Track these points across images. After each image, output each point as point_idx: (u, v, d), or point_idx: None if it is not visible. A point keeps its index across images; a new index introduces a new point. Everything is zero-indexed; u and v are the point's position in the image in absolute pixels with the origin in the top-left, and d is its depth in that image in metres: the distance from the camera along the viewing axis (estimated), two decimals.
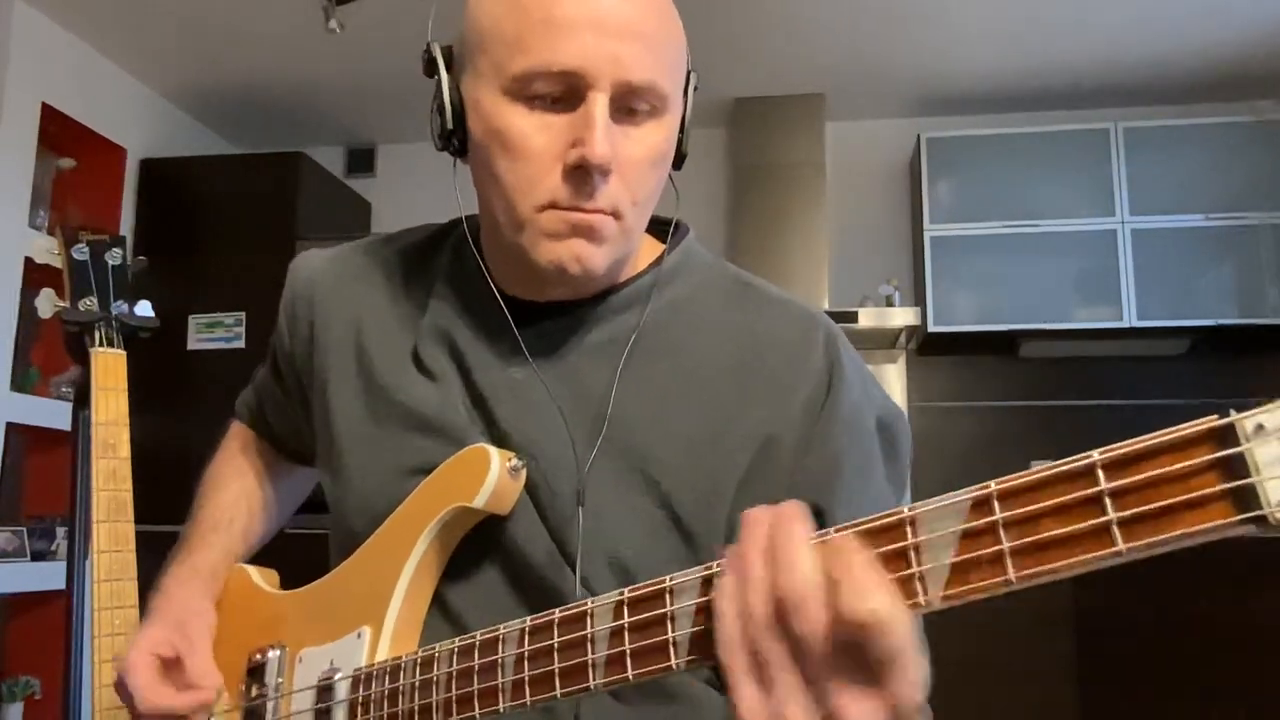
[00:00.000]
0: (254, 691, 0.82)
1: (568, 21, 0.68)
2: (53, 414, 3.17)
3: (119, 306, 1.43)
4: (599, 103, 0.69)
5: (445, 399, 0.79)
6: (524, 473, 0.74)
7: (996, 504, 0.45)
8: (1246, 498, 0.38)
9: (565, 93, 0.70)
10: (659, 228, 0.85)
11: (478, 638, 0.64)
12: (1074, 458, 0.43)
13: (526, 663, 0.61)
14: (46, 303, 1.43)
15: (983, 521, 0.45)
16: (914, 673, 0.45)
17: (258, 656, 0.83)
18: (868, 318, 3.53)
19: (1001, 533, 0.45)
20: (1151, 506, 0.41)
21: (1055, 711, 3.06)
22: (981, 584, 0.45)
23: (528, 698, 0.60)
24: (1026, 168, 3.59)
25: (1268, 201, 3.45)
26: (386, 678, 0.71)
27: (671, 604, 0.54)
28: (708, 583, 0.53)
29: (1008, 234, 3.57)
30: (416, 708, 0.68)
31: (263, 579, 0.92)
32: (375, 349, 0.84)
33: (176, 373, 3.49)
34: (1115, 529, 0.42)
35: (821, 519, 0.72)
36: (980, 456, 3.69)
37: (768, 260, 3.66)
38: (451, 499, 0.73)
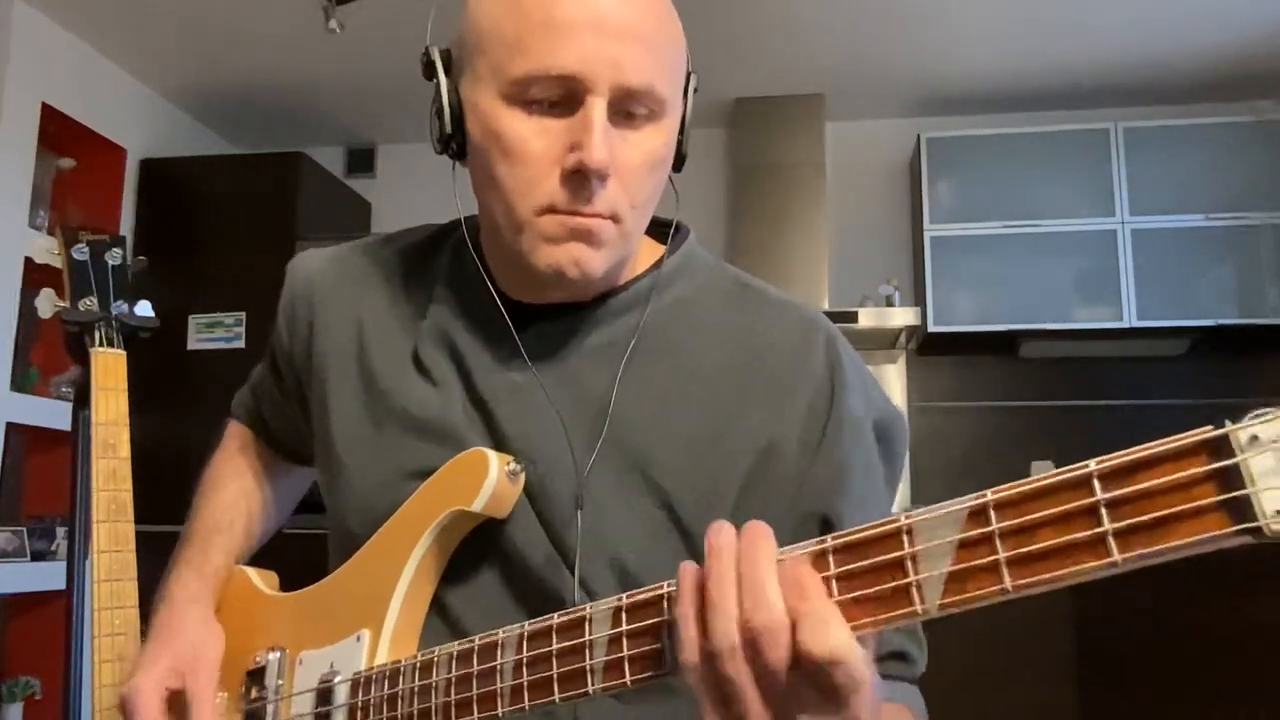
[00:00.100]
0: (254, 694, 0.82)
1: (566, 24, 0.68)
2: (53, 414, 3.17)
3: (119, 306, 1.43)
4: (597, 107, 0.68)
5: (445, 402, 0.79)
6: (523, 476, 0.74)
7: (993, 513, 0.45)
8: (1242, 509, 0.39)
9: (564, 97, 0.70)
10: (659, 229, 0.84)
11: (476, 642, 0.64)
12: (1071, 468, 0.43)
13: (525, 668, 0.61)
14: (46, 303, 1.43)
15: (979, 531, 0.45)
16: (868, 693, 0.48)
17: (257, 659, 0.83)
18: (868, 318, 3.53)
19: (998, 542, 0.45)
20: (1147, 517, 0.41)
21: (1055, 713, 3.06)
22: (978, 593, 0.45)
23: (526, 702, 0.60)
24: (1026, 168, 3.59)
25: (1268, 201, 3.45)
26: (386, 682, 0.71)
27: (670, 610, 0.54)
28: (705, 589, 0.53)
29: (1008, 234, 3.57)
30: (416, 712, 0.68)
31: (262, 581, 0.92)
32: (375, 351, 0.84)
33: (176, 373, 3.49)
34: (1111, 540, 0.42)
35: (829, 525, 0.72)
36: (980, 456, 3.69)
37: (768, 260, 3.66)
38: (450, 502, 0.73)
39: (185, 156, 3.79)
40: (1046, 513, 0.44)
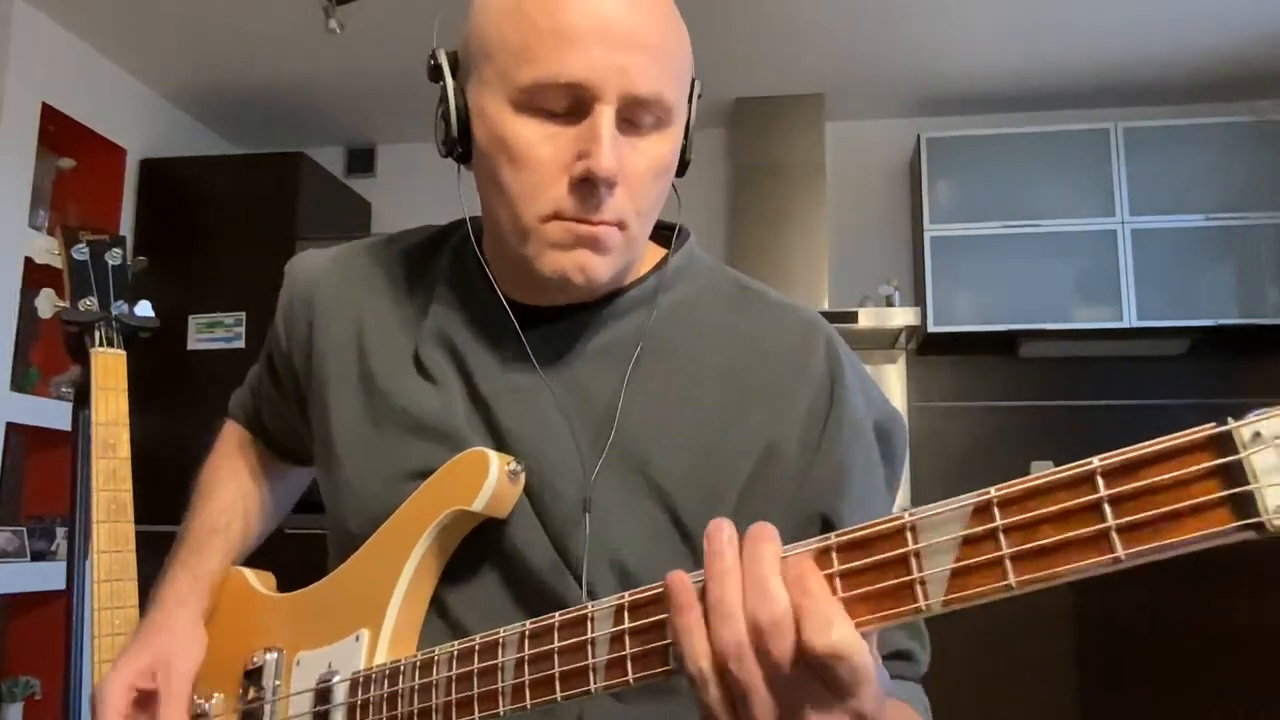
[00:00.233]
0: (251, 694, 0.82)
1: (575, 32, 0.68)
2: (53, 414, 3.17)
3: (119, 306, 1.43)
4: (605, 115, 0.68)
5: (446, 402, 0.79)
6: (523, 476, 0.74)
7: (997, 510, 0.45)
8: (1244, 505, 0.39)
9: (571, 104, 0.69)
10: (660, 232, 0.85)
11: (477, 641, 0.64)
12: (1074, 464, 0.43)
13: (527, 666, 0.61)
14: (46, 303, 1.43)
15: (983, 528, 0.46)
16: (873, 687, 0.48)
17: (255, 659, 0.83)
18: (868, 318, 3.52)
19: (1002, 539, 0.45)
20: (1150, 514, 0.41)
21: (1055, 712, 3.06)
22: (982, 589, 0.45)
23: (528, 701, 0.60)
24: (1026, 168, 3.59)
25: (1268, 201, 3.45)
26: (385, 681, 0.71)
27: (672, 619, 0.54)
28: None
29: (1008, 234, 3.57)
30: (416, 711, 0.67)
31: (259, 582, 0.91)
32: (376, 351, 0.84)
33: (176, 373, 3.49)
34: (1114, 535, 0.42)
35: (829, 526, 0.72)
36: (980, 456, 3.69)
37: (768, 260, 3.65)
38: (450, 502, 0.73)
39: (185, 156, 3.79)
40: (1050, 509, 0.44)
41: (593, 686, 0.57)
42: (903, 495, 3.47)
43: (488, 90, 0.72)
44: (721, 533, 0.52)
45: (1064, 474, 0.44)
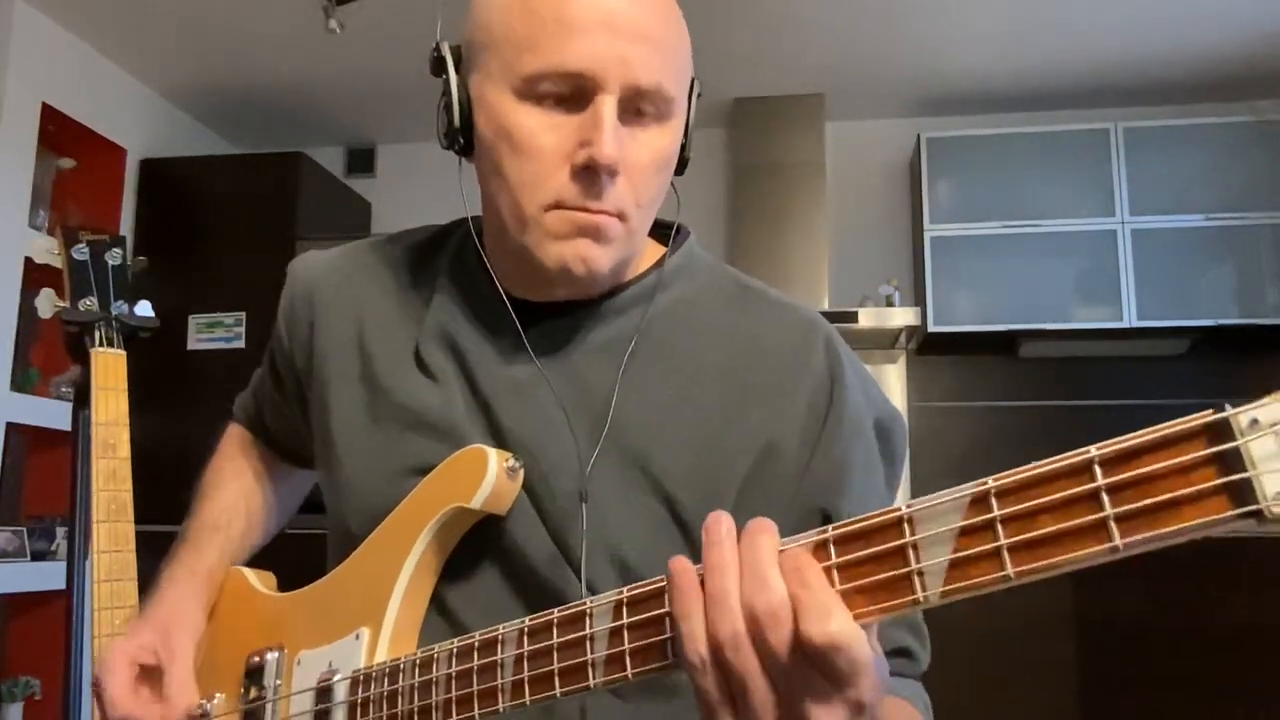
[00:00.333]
0: (252, 694, 0.82)
1: (578, 23, 0.68)
2: (53, 414, 3.17)
3: (119, 306, 1.43)
4: (608, 104, 0.69)
5: (446, 398, 0.79)
6: (521, 473, 0.74)
7: (994, 501, 0.45)
8: (1243, 492, 0.39)
9: (574, 93, 0.70)
10: (660, 231, 0.85)
11: (477, 638, 0.64)
12: (1071, 453, 0.43)
13: (526, 662, 0.61)
14: (46, 303, 1.43)
15: (981, 518, 0.46)
16: (871, 678, 0.48)
17: (255, 659, 0.83)
18: (868, 318, 3.52)
19: (1000, 529, 0.45)
20: (1148, 502, 0.41)
21: (1055, 711, 3.06)
22: (980, 580, 0.45)
23: (527, 697, 0.60)
24: (1026, 168, 3.59)
25: (1268, 201, 3.45)
26: (385, 679, 0.71)
27: (671, 606, 0.54)
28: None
29: (1008, 234, 3.57)
30: (416, 708, 0.67)
31: (260, 581, 0.92)
32: (377, 349, 0.84)
33: (176, 373, 3.49)
34: (1112, 524, 0.42)
35: (829, 523, 0.72)
36: (980, 456, 3.69)
37: (768, 260, 3.65)
38: (449, 499, 0.73)
39: (185, 156, 3.79)
40: (1048, 499, 0.44)
41: (592, 682, 0.57)
42: (903, 495, 3.44)
43: (490, 81, 0.73)
44: (720, 525, 0.52)
45: (1061, 463, 0.44)
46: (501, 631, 0.63)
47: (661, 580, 0.55)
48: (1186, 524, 0.40)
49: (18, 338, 3.09)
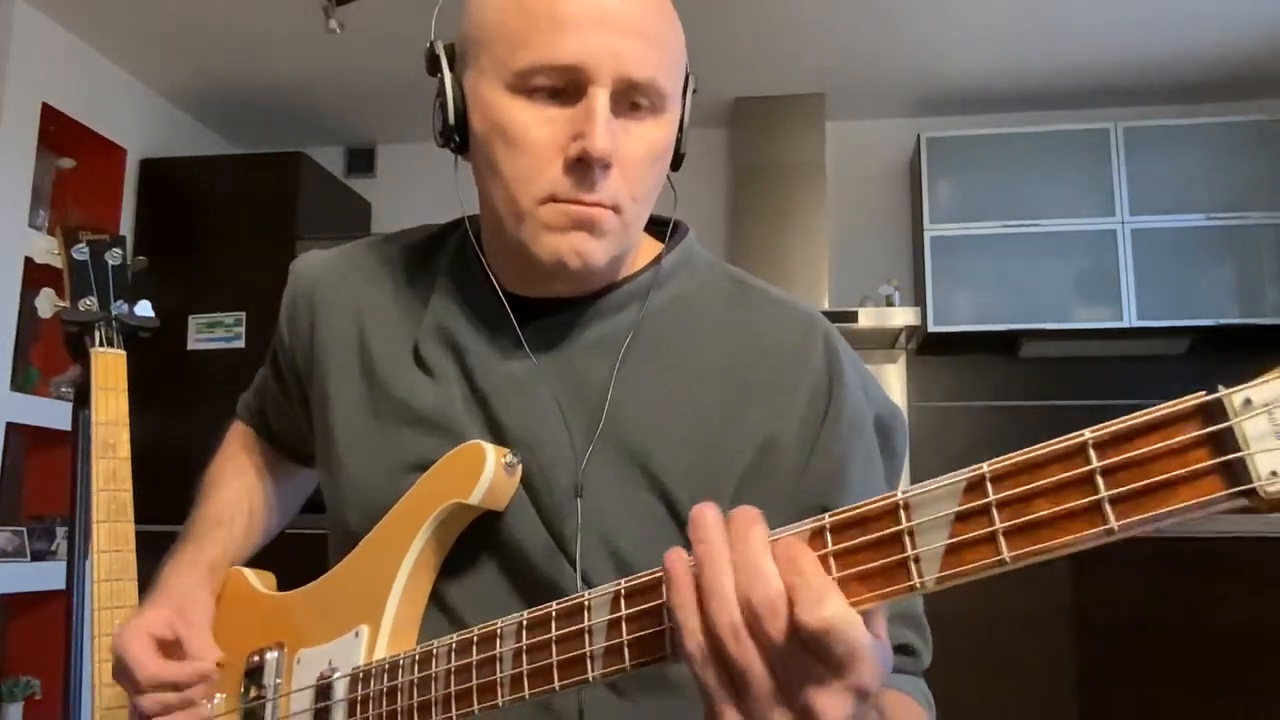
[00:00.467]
0: (252, 693, 0.82)
1: (571, 17, 0.69)
2: (53, 414, 3.17)
3: (119, 306, 1.43)
4: (600, 97, 0.69)
5: (445, 395, 0.80)
6: (519, 468, 0.74)
7: (990, 485, 0.46)
8: (1236, 472, 0.39)
9: (567, 87, 0.70)
10: (658, 228, 0.85)
11: (475, 633, 0.65)
12: (1065, 437, 0.43)
13: (524, 656, 0.61)
14: (46, 303, 1.43)
15: (976, 503, 0.46)
16: (871, 663, 0.48)
17: (255, 658, 0.83)
18: (868, 318, 3.52)
19: (995, 514, 0.45)
20: (1142, 483, 0.41)
21: (1054, 706, 3.06)
22: (976, 565, 0.45)
23: (526, 691, 0.60)
24: (1026, 168, 3.59)
25: (1268, 201, 3.45)
26: (385, 675, 0.71)
27: (668, 599, 0.54)
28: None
29: (1008, 234, 3.57)
30: (415, 704, 0.68)
31: (259, 581, 0.92)
32: (377, 346, 0.85)
33: (176, 373, 3.49)
34: (1107, 506, 0.42)
35: None
36: (980, 456, 3.60)
37: (768, 260, 3.65)
38: (447, 496, 0.73)
39: (185, 156, 3.79)
40: (1042, 483, 0.44)
41: (590, 675, 0.57)
42: None
43: (484, 77, 0.73)
44: (706, 516, 0.52)
45: (1056, 447, 0.44)
46: (500, 626, 0.63)
47: (659, 572, 0.55)
48: (1181, 504, 0.40)
49: (18, 338, 3.09)
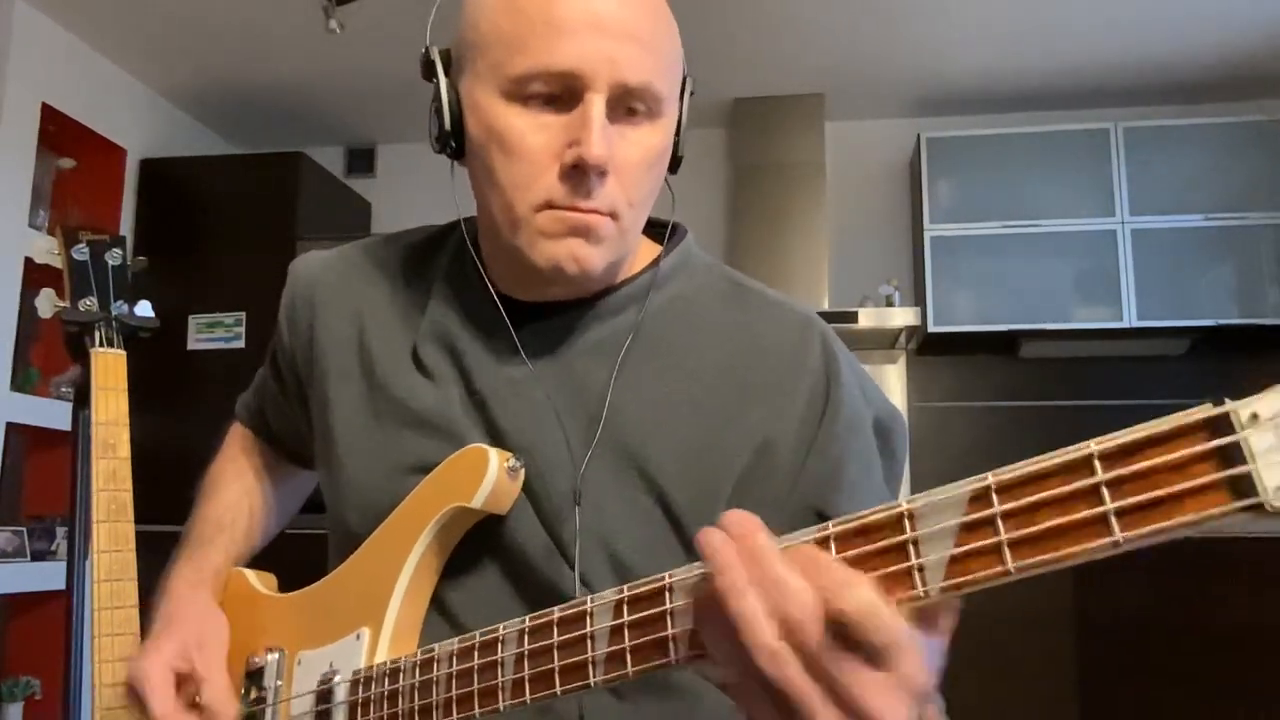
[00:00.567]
0: (253, 694, 0.82)
1: (566, 23, 0.69)
2: (53, 414, 3.17)
3: (119, 306, 1.43)
4: (596, 103, 0.69)
5: (443, 398, 0.80)
6: (522, 472, 0.74)
7: (995, 496, 0.45)
8: (1243, 485, 0.38)
9: (562, 93, 0.70)
10: (656, 230, 0.85)
11: (477, 637, 0.64)
12: (1071, 448, 0.43)
13: (526, 661, 0.61)
14: (46, 303, 1.43)
15: (981, 514, 0.45)
16: (915, 655, 0.46)
17: (256, 660, 0.83)
18: (868, 318, 3.52)
19: (1000, 524, 0.45)
20: (1148, 496, 0.41)
21: (1054, 707, 3.06)
22: (981, 575, 0.45)
23: (527, 696, 0.60)
24: (1026, 168, 3.59)
25: (1268, 201, 3.45)
26: (386, 679, 0.71)
27: (671, 601, 0.54)
28: (708, 579, 0.53)
29: (1008, 234, 3.57)
30: (416, 708, 0.68)
31: (260, 582, 0.92)
32: (376, 348, 0.85)
33: (176, 373, 3.49)
34: (1113, 519, 0.42)
35: (824, 519, 0.72)
36: (980, 456, 3.67)
37: (768, 260, 3.65)
38: (450, 499, 0.73)
39: (185, 156, 3.79)
40: (1048, 494, 0.44)
41: (592, 681, 0.57)
42: (903, 495, 3.45)
43: (480, 83, 0.73)
44: (714, 541, 0.50)
45: (1061, 458, 0.43)
46: (502, 631, 0.63)
47: (662, 578, 0.55)
48: (1187, 518, 0.40)
49: (18, 338, 3.09)
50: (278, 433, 1.02)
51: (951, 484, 0.47)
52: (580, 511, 0.73)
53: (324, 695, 0.75)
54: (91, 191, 3.56)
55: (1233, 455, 0.39)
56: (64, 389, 3.26)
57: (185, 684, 0.81)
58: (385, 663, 0.72)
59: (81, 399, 1.45)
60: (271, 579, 0.93)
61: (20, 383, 3.15)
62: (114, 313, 1.42)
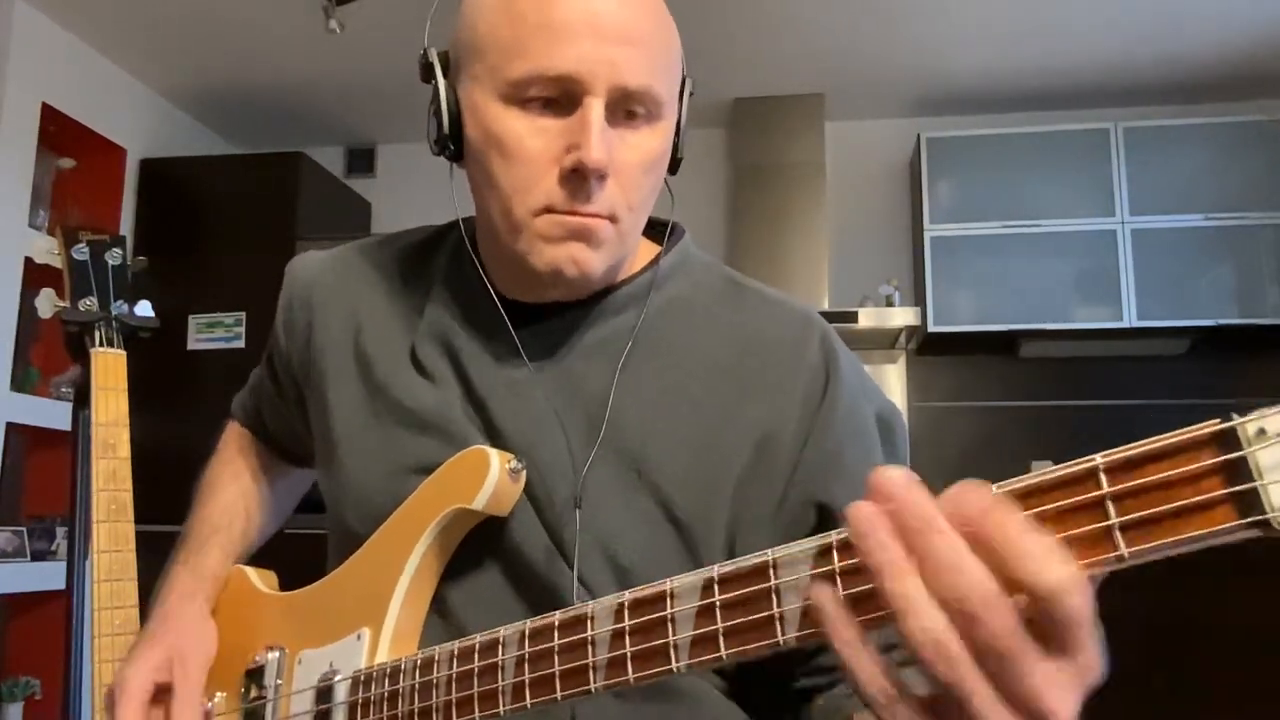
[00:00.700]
0: (253, 693, 0.82)
1: (565, 26, 0.68)
2: (53, 414, 3.17)
3: (119, 306, 1.43)
4: (595, 107, 0.69)
5: (443, 398, 0.79)
6: (524, 474, 0.74)
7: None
8: (1249, 502, 0.38)
9: (561, 96, 0.70)
10: (655, 230, 0.85)
11: (478, 640, 0.64)
12: (1076, 461, 0.42)
13: (527, 665, 0.60)
14: (46, 303, 1.43)
15: None
16: (1096, 641, 0.41)
17: (257, 658, 0.83)
18: (868, 318, 3.52)
19: None
20: (1154, 511, 0.40)
21: None
22: None
23: (528, 700, 0.60)
24: (1026, 168, 3.59)
25: (1268, 201, 3.45)
26: (386, 680, 0.71)
27: (672, 607, 0.54)
28: (709, 586, 0.52)
29: (1008, 234, 3.57)
30: (416, 710, 0.67)
31: (261, 581, 0.92)
32: (374, 349, 0.85)
33: (176, 373, 3.49)
34: (1117, 533, 0.41)
35: (825, 512, 0.72)
36: (980, 456, 3.69)
37: (768, 260, 3.65)
38: (451, 501, 0.73)
39: (185, 156, 3.79)
40: (1051, 507, 0.43)
41: (593, 686, 0.57)
42: None
43: (479, 86, 0.73)
44: (862, 512, 0.43)
45: (1066, 471, 0.43)
46: (502, 633, 0.63)
47: (662, 584, 0.55)
48: (1192, 533, 0.40)
49: (18, 338, 3.09)
50: (274, 432, 1.02)
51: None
52: (580, 514, 0.73)
53: (323, 694, 0.75)
54: (91, 191, 3.56)
55: (1239, 471, 0.39)
56: (64, 389, 3.26)
57: (163, 694, 0.82)
58: (385, 663, 0.72)
59: (81, 399, 1.45)
60: (272, 577, 0.93)
61: (20, 383, 3.15)
62: (114, 313, 1.42)
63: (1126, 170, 3.52)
